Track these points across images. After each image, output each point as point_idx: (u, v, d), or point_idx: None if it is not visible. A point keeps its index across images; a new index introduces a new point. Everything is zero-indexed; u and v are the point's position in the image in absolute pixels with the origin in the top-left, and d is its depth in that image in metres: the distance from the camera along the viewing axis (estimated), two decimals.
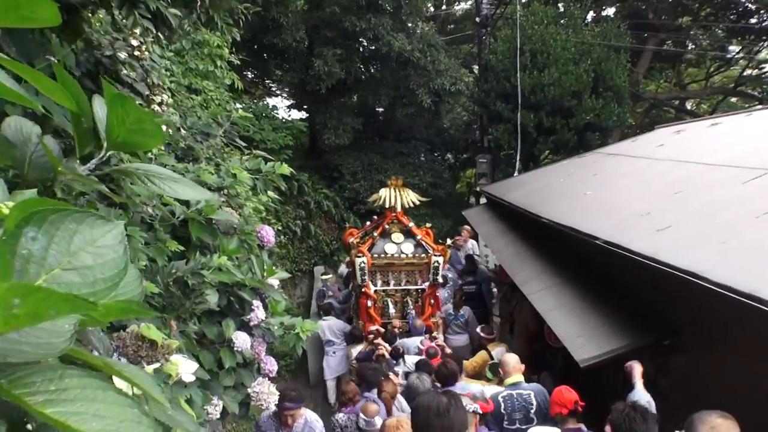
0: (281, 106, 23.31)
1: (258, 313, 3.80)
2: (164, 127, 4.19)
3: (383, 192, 12.00)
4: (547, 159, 20.30)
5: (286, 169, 4.21)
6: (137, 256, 2.72)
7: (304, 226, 18.50)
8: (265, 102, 22.69)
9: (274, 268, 4.06)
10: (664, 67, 27.04)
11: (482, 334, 10.56)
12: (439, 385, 7.00)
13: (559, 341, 8.30)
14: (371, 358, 9.65)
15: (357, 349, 10.80)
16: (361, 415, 6.61)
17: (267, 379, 3.98)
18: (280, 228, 17.40)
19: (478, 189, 18.61)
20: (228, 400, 3.74)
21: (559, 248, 8.64)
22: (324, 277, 15.55)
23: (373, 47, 18.33)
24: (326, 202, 19.37)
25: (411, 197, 12.08)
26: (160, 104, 4.45)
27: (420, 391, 6.25)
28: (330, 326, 12.38)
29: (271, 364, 4.14)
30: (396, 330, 11.18)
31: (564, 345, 8.04)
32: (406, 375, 8.34)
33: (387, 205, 11.91)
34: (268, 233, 4.23)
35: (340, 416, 7.43)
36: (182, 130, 4.16)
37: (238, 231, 4.07)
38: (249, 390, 3.85)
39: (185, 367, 1.93)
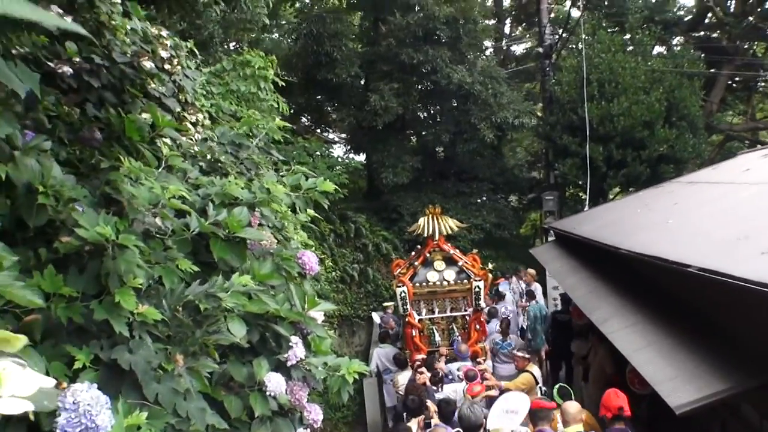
0: (337, 148, 23.10)
1: (297, 351, 3.28)
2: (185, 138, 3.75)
3: (422, 221, 12.61)
4: (617, 196, 19.56)
5: (329, 186, 3.70)
6: (130, 270, 2.22)
7: (362, 270, 18.12)
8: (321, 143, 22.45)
9: (317, 298, 3.56)
10: (739, 97, 26.07)
11: (518, 354, 10.68)
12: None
13: (645, 386, 7.64)
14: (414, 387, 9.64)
15: (403, 375, 10.99)
16: None
17: (309, 430, 3.45)
18: (337, 273, 17.01)
19: (545, 226, 17.94)
20: None
21: (641, 282, 7.97)
22: (385, 304, 15.83)
23: (432, 80, 17.93)
24: (385, 245, 18.98)
25: (450, 224, 12.48)
26: (194, 124, 4.02)
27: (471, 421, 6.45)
28: (387, 354, 12.59)
29: (315, 413, 3.62)
30: (443, 356, 11.38)
31: (652, 390, 7.42)
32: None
33: (425, 234, 12.37)
34: (311, 259, 3.72)
35: None
36: (210, 141, 3.70)
37: (274, 255, 3.58)
38: None
39: (15, 384, 1.35)
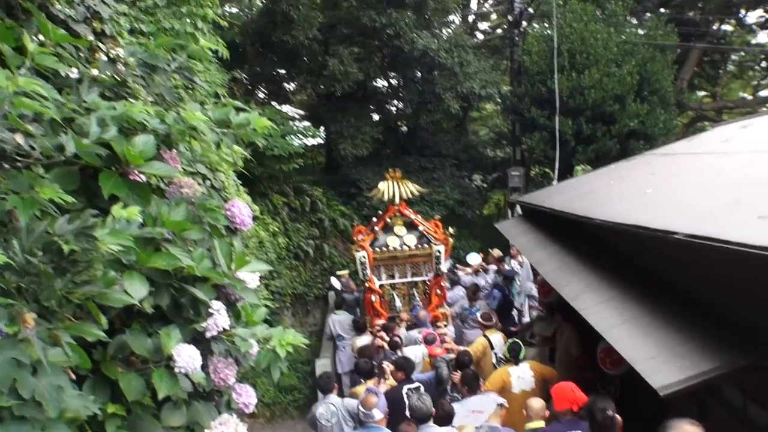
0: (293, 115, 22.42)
1: (218, 320, 2.71)
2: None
3: (382, 185, 12.63)
4: (585, 172, 19.23)
5: (264, 122, 3.12)
6: None
7: (318, 246, 17.73)
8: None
9: (248, 257, 3.00)
10: (708, 77, 25.94)
11: (480, 320, 10.78)
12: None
13: (617, 367, 7.24)
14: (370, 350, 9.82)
15: (361, 340, 11.06)
16: (361, 408, 6.44)
17: (235, 415, 2.89)
18: (291, 248, 16.48)
19: (512, 200, 17.52)
20: None
21: (616, 256, 7.52)
22: (339, 272, 15.74)
23: (395, 45, 17.33)
24: (342, 220, 18.50)
25: (410, 188, 12.63)
26: (113, 60, 3.38)
27: (423, 413, 6.46)
28: (340, 321, 12.95)
29: (247, 395, 3.07)
30: (404, 322, 11.52)
31: (624, 370, 7.00)
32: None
33: (385, 198, 12.45)
34: (242, 211, 3.14)
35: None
36: (119, 64, 3.08)
37: (196, 205, 3.00)
38: None
39: None
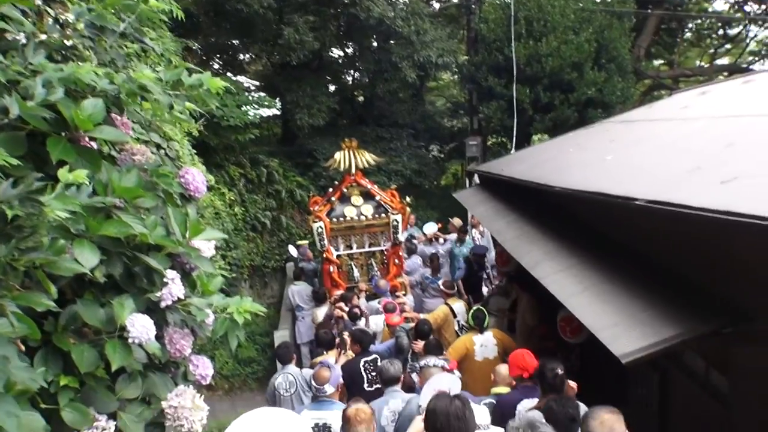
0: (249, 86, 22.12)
1: (173, 289, 2.63)
2: None
3: (338, 155, 12.58)
4: (542, 141, 19.27)
5: (217, 83, 3.01)
6: None
7: (275, 218, 17.55)
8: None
9: (203, 225, 2.91)
10: (667, 44, 26.08)
11: (442, 288, 11.20)
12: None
13: (576, 335, 7.28)
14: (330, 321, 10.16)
15: (321, 310, 11.16)
16: (313, 382, 6.41)
17: (192, 387, 2.82)
18: (248, 220, 16.34)
19: (469, 169, 17.53)
20: (128, 420, 2.58)
21: (576, 224, 7.57)
22: (298, 242, 15.67)
23: (350, 14, 17.11)
24: (299, 191, 18.30)
25: (366, 157, 12.60)
26: (61, 24, 3.22)
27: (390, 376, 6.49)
28: (299, 291, 13.05)
29: (203, 367, 3.00)
30: (362, 292, 11.60)
31: (583, 339, 7.04)
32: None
33: (342, 168, 12.47)
34: (196, 178, 3.05)
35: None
36: (67, 28, 2.94)
37: (149, 171, 2.90)
38: (163, 404, 2.69)
39: None
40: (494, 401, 6.44)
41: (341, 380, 6.61)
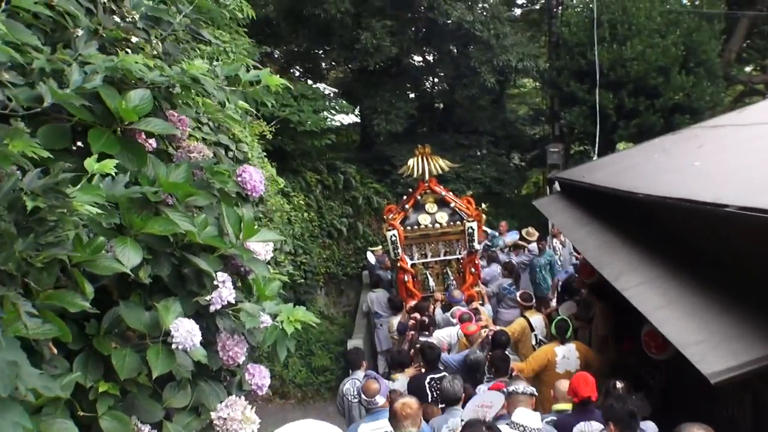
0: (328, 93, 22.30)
1: (223, 293, 2.50)
2: None
3: (411, 161, 12.41)
4: (626, 149, 18.79)
5: (276, 80, 2.89)
6: None
7: (351, 225, 17.62)
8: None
9: (257, 225, 2.80)
10: (760, 47, 25.10)
11: (519, 300, 10.72)
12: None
13: (662, 351, 6.95)
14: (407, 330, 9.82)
15: (396, 319, 11.02)
16: (363, 396, 6.41)
17: (244, 398, 2.69)
18: (324, 227, 16.36)
19: (550, 177, 17.17)
20: (174, 431, 2.47)
21: (661, 233, 7.22)
22: (372, 249, 15.68)
23: (428, 18, 17.06)
24: (376, 198, 18.35)
25: (440, 163, 12.33)
26: (116, 13, 3.14)
27: (450, 397, 6.48)
28: (378, 298, 12.91)
29: (260, 376, 2.87)
30: (438, 302, 11.38)
31: (671, 356, 6.71)
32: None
33: (415, 174, 12.26)
34: (254, 176, 2.93)
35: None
36: (115, 17, 2.85)
37: (204, 169, 2.80)
38: (212, 415, 2.57)
39: None
40: (555, 418, 6.30)
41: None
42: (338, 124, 20.73)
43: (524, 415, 5.60)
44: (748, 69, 26.12)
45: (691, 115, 16.84)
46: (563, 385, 6.62)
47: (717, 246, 6.06)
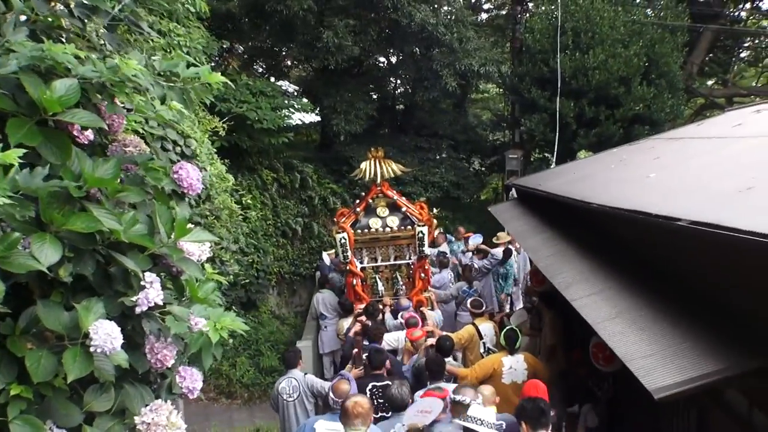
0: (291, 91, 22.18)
1: (150, 294, 2.41)
2: None
3: (364, 165, 12.34)
4: (586, 157, 18.92)
5: (216, 77, 2.80)
6: None
7: (306, 225, 17.57)
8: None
9: (203, 223, 2.72)
10: (722, 62, 25.49)
11: (469, 308, 10.55)
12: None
13: (610, 363, 6.97)
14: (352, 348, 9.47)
15: (347, 322, 10.89)
16: (331, 394, 6.62)
17: (171, 402, 2.61)
18: (278, 226, 16.26)
19: (507, 183, 17.22)
20: None
21: (613, 244, 7.24)
22: (326, 252, 15.34)
23: (392, 19, 17.00)
24: (333, 198, 18.36)
25: (393, 167, 12.25)
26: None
27: (398, 403, 6.51)
28: (324, 299, 12.84)
29: (191, 379, 2.78)
30: (387, 306, 11.26)
31: (617, 368, 6.72)
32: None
33: (367, 178, 12.16)
34: (191, 174, 2.83)
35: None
36: (52, 2, 2.73)
37: (139, 164, 2.71)
38: (136, 420, 2.49)
39: None
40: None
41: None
42: (298, 122, 20.63)
43: (480, 410, 5.65)
44: (709, 83, 26.49)
45: (650, 126, 17.07)
46: (486, 389, 6.63)
47: (669, 259, 6.08)
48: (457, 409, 6.05)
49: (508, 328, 8.62)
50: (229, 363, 13.67)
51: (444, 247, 14.97)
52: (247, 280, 13.87)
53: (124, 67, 2.43)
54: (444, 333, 9.45)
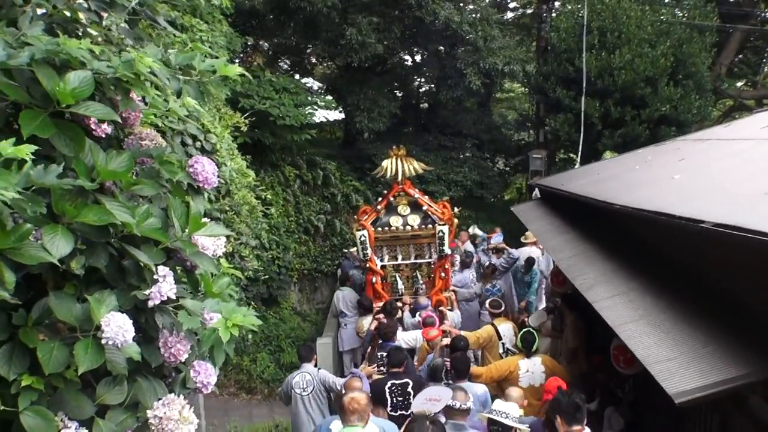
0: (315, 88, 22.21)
1: (162, 287, 2.40)
2: None
3: (385, 163, 12.35)
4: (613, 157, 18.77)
5: (233, 69, 2.78)
6: None
7: (329, 222, 17.53)
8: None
9: (206, 219, 2.71)
10: (752, 63, 25.14)
11: (488, 308, 10.66)
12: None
13: (631, 366, 6.90)
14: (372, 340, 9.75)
15: (367, 320, 10.88)
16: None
17: (184, 397, 2.61)
18: (301, 222, 16.27)
19: (530, 183, 17.11)
20: (106, 428, 2.38)
21: (636, 245, 7.18)
22: (347, 250, 15.66)
23: (416, 16, 16.96)
24: (355, 196, 18.32)
25: (414, 165, 12.26)
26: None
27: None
28: (344, 297, 12.76)
29: (205, 374, 2.78)
30: (406, 305, 11.34)
31: (638, 370, 6.66)
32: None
33: (388, 176, 12.21)
34: (207, 168, 2.83)
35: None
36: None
37: (154, 158, 2.71)
38: (148, 413, 2.49)
39: None
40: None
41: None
42: (323, 119, 20.65)
43: (504, 404, 5.81)
44: (739, 84, 26.14)
45: (677, 127, 16.88)
46: (514, 392, 6.66)
47: (692, 261, 6.01)
48: (450, 413, 6.08)
49: (525, 330, 8.60)
50: (249, 359, 13.70)
51: (468, 246, 14.93)
52: (268, 276, 13.88)
53: (139, 62, 2.43)
54: (460, 332, 9.45)
